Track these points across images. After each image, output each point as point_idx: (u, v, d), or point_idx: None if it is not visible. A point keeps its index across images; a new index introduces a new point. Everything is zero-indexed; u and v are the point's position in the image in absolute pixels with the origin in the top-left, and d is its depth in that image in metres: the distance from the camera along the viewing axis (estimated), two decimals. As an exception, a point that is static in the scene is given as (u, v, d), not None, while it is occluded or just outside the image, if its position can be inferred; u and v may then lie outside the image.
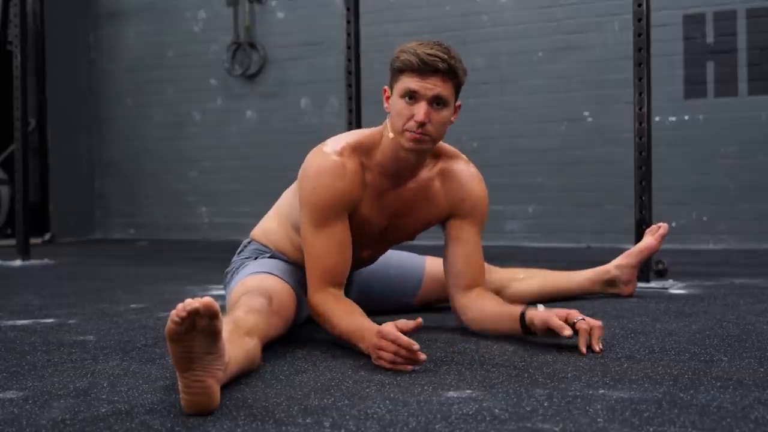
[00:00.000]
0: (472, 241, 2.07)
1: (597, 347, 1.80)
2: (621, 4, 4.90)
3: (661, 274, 3.17)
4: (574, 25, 5.49)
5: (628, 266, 2.70)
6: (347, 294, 2.13)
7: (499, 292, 2.40)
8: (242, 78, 6.54)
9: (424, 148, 1.91)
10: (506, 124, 5.66)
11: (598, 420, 1.28)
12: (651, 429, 1.23)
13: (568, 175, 5.52)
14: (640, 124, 3.09)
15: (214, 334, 1.35)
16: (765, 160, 5.06)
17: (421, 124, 1.85)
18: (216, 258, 4.37)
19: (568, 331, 1.78)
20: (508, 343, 1.94)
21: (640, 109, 3.09)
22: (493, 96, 5.60)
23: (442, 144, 2.05)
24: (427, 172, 2.04)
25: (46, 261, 4.65)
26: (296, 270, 2.15)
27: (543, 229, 5.62)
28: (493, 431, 1.24)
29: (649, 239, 2.72)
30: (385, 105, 1.94)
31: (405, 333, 1.68)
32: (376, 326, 1.73)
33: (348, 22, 3.60)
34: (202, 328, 1.33)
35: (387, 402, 1.41)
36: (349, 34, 3.60)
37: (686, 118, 5.23)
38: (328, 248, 1.94)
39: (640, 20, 3.08)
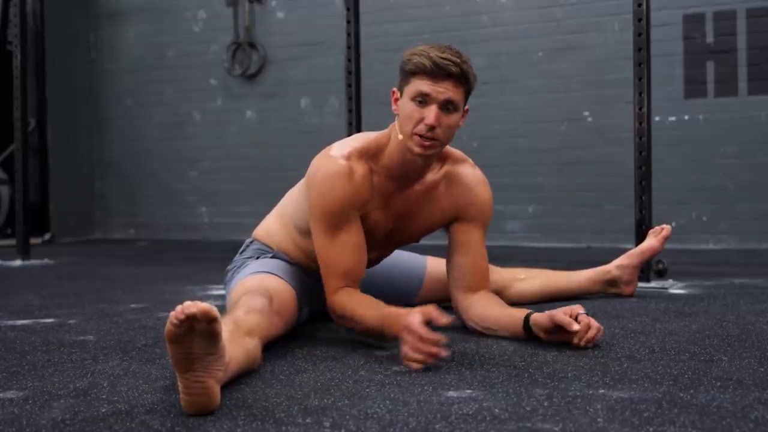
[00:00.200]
0: (477, 244, 2.08)
1: (582, 343, 1.82)
2: (621, 4, 4.90)
3: (661, 274, 3.17)
4: (574, 25, 5.49)
5: (630, 266, 2.70)
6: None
7: (500, 292, 2.40)
8: (242, 78, 6.54)
9: (433, 152, 1.92)
10: (506, 124, 5.66)
11: (598, 420, 1.28)
12: (651, 429, 1.23)
13: (568, 175, 5.52)
14: (640, 124, 3.09)
15: (213, 336, 1.35)
16: (765, 160, 5.06)
17: (431, 128, 1.85)
18: (216, 258, 4.37)
19: (576, 326, 1.80)
20: (508, 343, 1.94)
21: (640, 109, 3.09)
22: (493, 96, 5.60)
23: (448, 147, 2.05)
24: (433, 175, 2.04)
25: (46, 261, 4.65)
26: (298, 270, 2.15)
27: (543, 229, 5.62)
28: (493, 431, 1.24)
29: (651, 240, 2.72)
30: (394, 107, 1.94)
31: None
32: (405, 311, 1.73)
33: (348, 22, 3.60)
34: (201, 330, 1.33)
35: (387, 402, 1.41)
36: (349, 34, 3.60)
37: (686, 118, 5.23)
38: (342, 252, 1.94)
39: (640, 20, 3.08)
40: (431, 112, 1.84)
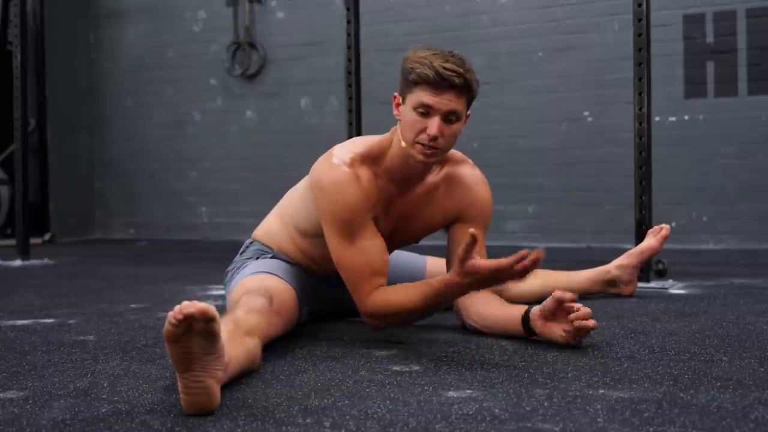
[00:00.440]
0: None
1: (576, 334, 1.83)
2: (621, 4, 4.90)
3: (661, 274, 3.17)
4: (574, 25, 5.49)
5: (629, 266, 2.70)
6: (347, 294, 2.13)
7: (499, 292, 2.39)
8: (242, 78, 6.54)
9: (435, 160, 1.92)
10: (506, 124, 5.66)
11: (598, 420, 1.28)
12: (651, 429, 1.23)
13: (568, 175, 5.52)
14: (640, 124, 3.09)
15: (212, 336, 1.35)
16: (765, 160, 5.06)
17: (434, 138, 1.85)
18: (216, 258, 4.37)
19: (569, 294, 1.80)
20: (508, 343, 1.94)
21: (640, 109, 3.09)
22: (493, 96, 5.60)
23: None
24: (433, 177, 2.04)
25: (46, 261, 4.64)
26: (298, 270, 2.15)
27: (543, 229, 5.62)
28: (493, 431, 1.24)
29: (650, 240, 2.72)
30: (395, 112, 1.93)
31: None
32: (449, 274, 1.75)
33: (348, 22, 3.60)
34: (200, 330, 1.33)
35: (387, 402, 1.41)
36: (349, 34, 3.59)
37: (686, 118, 5.23)
38: (366, 258, 1.92)
39: (640, 20, 3.08)
40: (434, 124, 1.84)
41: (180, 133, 6.83)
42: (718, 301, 2.65)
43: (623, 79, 4.91)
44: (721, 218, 5.16)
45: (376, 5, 5.63)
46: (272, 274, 2.07)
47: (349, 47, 3.60)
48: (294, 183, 2.28)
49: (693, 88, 5.19)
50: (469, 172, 2.10)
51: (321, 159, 2.00)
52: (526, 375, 1.61)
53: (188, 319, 1.31)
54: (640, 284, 2.84)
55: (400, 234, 2.10)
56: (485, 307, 2.04)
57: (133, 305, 2.75)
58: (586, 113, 5.47)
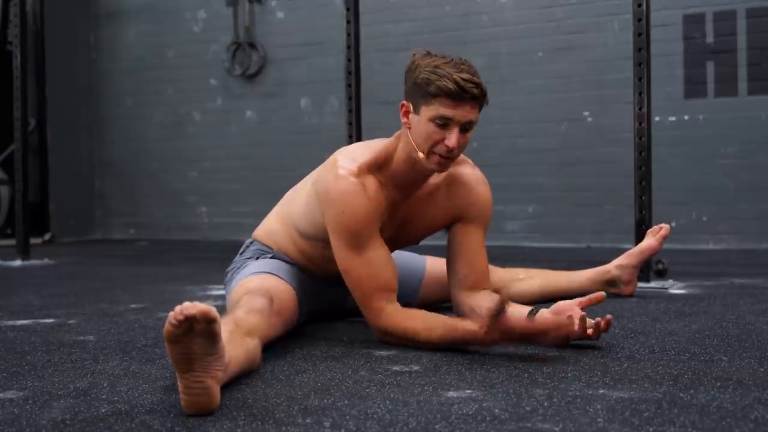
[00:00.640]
0: (477, 244, 2.09)
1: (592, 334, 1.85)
2: (621, 4, 4.90)
3: (661, 274, 3.17)
4: (574, 25, 5.49)
5: (629, 266, 2.70)
6: (348, 295, 2.13)
7: (499, 292, 2.40)
8: (242, 78, 6.54)
9: (448, 167, 1.93)
10: (506, 124, 5.66)
11: (598, 420, 1.28)
12: (651, 429, 1.23)
13: (568, 175, 5.52)
14: (640, 124, 3.09)
15: (212, 337, 1.35)
16: (765, 160, 5.06)
17: (451, 150, 1.85)
18: (216, 258, 4.37)
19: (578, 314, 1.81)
20: (508, 343, 1.94)
21: (640, 109, 3.09)
22: (493, 96, 5.48)
23: None
24: (434, 179, 2.05)
25: (46, 261, 4.64)
26: (298, 271, 2.15)
27: (543, 229, 5.62)
28: (493, 431, 1.24)
29: (650, 240, 2.72)
30: (403, 120, 1.91)
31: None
32: (475, 323, 1.75)
33: (348, 22, 3.60)
34: (200, 331, 1.33)
35: (387, 402, 1.41)
36: (349, 34, 3.59)
37: (686, 118, 5.23)
38: (375, 269, 1.92)
39: (640, 20, 3.08)
40: (453, 136, 1.83)
41: (180, 133, 6.83)
42: (718, 301, 2.65)
43: (623, 79, 4.91)
44: (721, 218, 5.16)
45: (376, 5, 5.63)
46: (273, 274, 2.07)
47: (349, 47, 3.60)
48: (294, 183, 2.28)
49: (693, 88, 5.19)
50: (470, 172, 2.10)
51: (326, 169, 1.98)
52: (526, 375, 1.61)
53: (189, 320, 1.31)
54: (640, 284, 2.84)
55: (401, 236, 2.11)
56: (487, 303, 2.03)
57: (133, 305, 2.75)
58: (586, 113, 5.47)
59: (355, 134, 3.58)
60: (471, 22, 5.75)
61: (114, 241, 6.80)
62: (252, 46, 6.46)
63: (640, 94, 3.08)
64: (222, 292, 2.71)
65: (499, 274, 2.53)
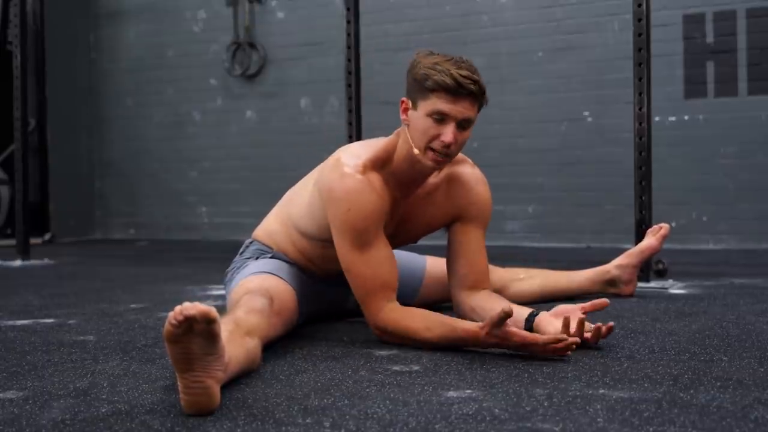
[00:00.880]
0: (477, 243, 2.09)
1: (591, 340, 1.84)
2: (621, 4, 4.90)
3: (661, 274, 3.17)
4: (574, 25, 5.49)
5: (629, 266, 2.70)
6: (348, 295, 2.13)
7: (499, 292, 2.40)
8: (242, 78, 6.54)
9: (445, 165, 1.93)
10: (506, 124, 5.66)
11: (598, 420, 1.28)
12: (651, 429, 1.23)
13: (568, 175, 5.52)
14: (640, 124, 3.09)
15: (212, 337, 1.35)
16: (765, 160, 5.06)
17: (447, 146, 1.85)
18: (216, 258, 4.37)
19: (573, 327, 1.80)
20: (508, 343, 1.94)
21: (640, 109, 3.09)
22: (493, 96, 5.48)
23: None
24: (434, 178, 2.05)
25: (46, 261, 4.64)
26: (298, 271, 2.15)
27: (543, 229, 5.62)
28: (493, 431, 1.24)
29: (650, 240, 2.72)
30: (403, 117, 1.92)
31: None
32: (476, 325, 1.76)
33: (348, 22, 3.60)
34: (200, 331, 1.33)
35: (387, 402, 1.41)
36: (349, 34, 3.59)
37: (686, 118, 5.23)
38: (378, 268, 1.92)
39: (640, 20, 3.08)
40: (449, 131, 1.83)
41: (180, 133, 6.83)
42: (718, 301, 2.65)
43: (623, 79, 4.91)
44: (721, 218, 5.16)
45: (376, 5, 5.63)
46: (272, 274, 2.07)
47: (349, 47, 3.60)
48: (294, 183, 2.28)
49: (693, 88, 5.19)
50: (469, 172, 2.10)
51: (329, 168, 1.97)
52: (526, 375, 1.61)
53: (188, 320, 1.31)
54: (640, 284, 2.84)
55: (400, 235, 2.11)
56: (487, 307, 2.03)
57: (133, 305, 2.75)
58: (586, 113, 5.47)
59: (355, 134, 3.58)
60: (471, 22, 5.75)
61: (114, 241, 6.80)
62: (252, 46, 6.46)
63: (640, 94, 3.08)
64: (222, 292, 2.71)
65: (499, 273, 2.53)
